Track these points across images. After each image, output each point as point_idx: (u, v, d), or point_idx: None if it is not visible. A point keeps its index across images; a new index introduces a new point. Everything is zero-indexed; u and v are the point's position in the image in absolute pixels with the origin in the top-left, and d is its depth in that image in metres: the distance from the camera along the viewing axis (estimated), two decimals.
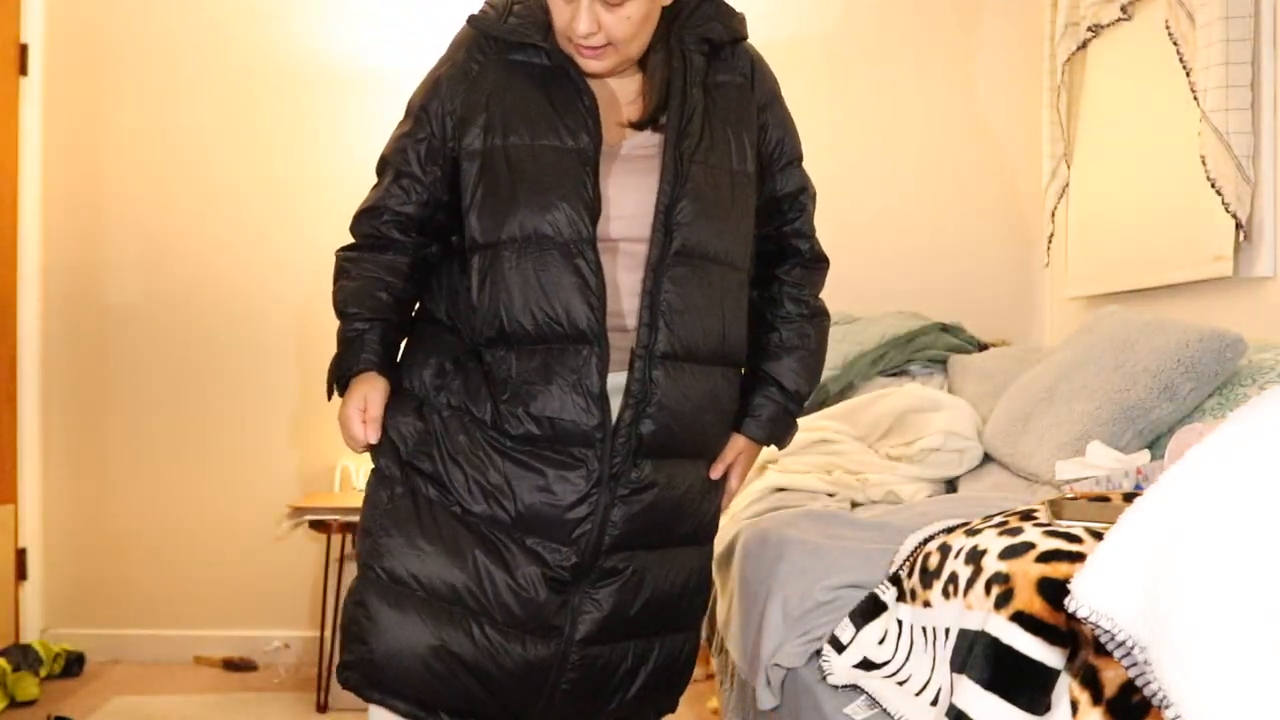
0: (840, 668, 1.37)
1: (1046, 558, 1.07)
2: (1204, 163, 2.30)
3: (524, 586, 1.49)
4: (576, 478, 1.49)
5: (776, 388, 1.67)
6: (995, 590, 1.09)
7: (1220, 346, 1.92)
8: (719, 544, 1.83)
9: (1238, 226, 2.25)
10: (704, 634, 1.85)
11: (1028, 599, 1.04)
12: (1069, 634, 1.00)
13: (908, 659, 1.27)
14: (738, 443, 1.66)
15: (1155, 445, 1.95)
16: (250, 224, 3.47)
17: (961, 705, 1.05)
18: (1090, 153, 3.06)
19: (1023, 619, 1.03)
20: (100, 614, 3.45)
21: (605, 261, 1.49)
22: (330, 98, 3.44)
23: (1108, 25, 2.87)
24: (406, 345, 1.67)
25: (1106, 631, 0.69)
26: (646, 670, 1.59)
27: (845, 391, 2.79)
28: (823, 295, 1.76)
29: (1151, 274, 2.65)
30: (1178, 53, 2.44)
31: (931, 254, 3.49)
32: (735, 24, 1.65)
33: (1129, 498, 1.29)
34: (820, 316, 1.73)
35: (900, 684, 1.27)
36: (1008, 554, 1.11)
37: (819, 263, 1.73)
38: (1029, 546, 1.10)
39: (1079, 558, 1.05)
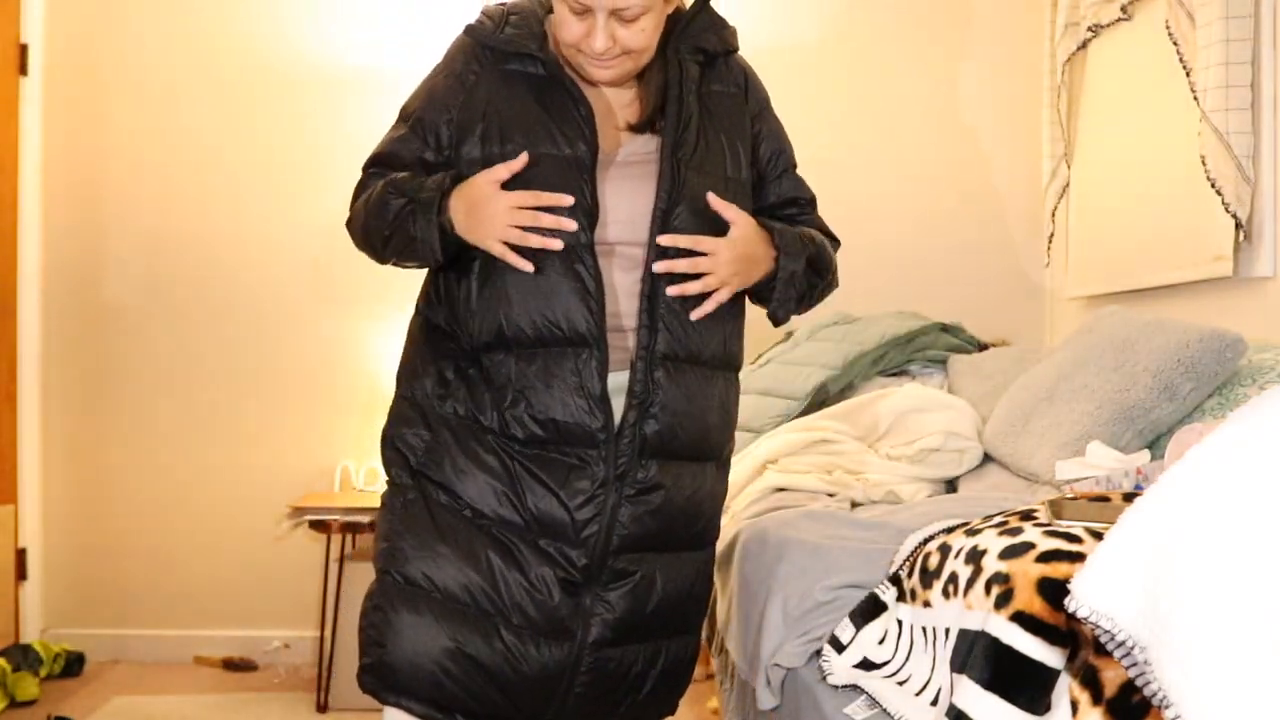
0: (840, 668, 1.37)
1: (1046, 558, 1.07)
2: (1204, 163, 2.30)
3: (538, 588, 1.51)
4: (583, 479, 1.50)
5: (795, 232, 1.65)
6: (995, 590, 1.09)
7: (1220, 346, 1.92)
8: (719, 544, 1.83)
9: (1238, 226, 2.25)
10: (704, 634, 1.85)
11: (1028, 599, 1.04)
12: (1069, 634, 1.00)
13: (908, 659, 1.27)
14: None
15: (1155, 445, 1.95)
16: (250, 224, 3.47)
17: (961, 705, 1.05)
18: (1090, 153, 3.06)
19: (1023, 619, 1.03)
20: (100, 614, 3.45)
21: (602, 265, 1.51)
22: (330, 98, 3.44)
23: (1108, 25, 2.87)
24: (407, 352, 1.67)
25: (1106, 631, 0.69)
26: (655, 673, 1.60)
27: (845, 391, 2.79)
28: None
29: (1151, 274, 2.65)
30: (1178, 53, 2.44)
31: (931, 254, 3.49)
32: (728, 36, 1.67)
33: (1129, 498, 1.29)
34: (834, 249, 1.73)
35: (900, 684, 1.27)
36: (1008, 554, 1.11)
37: (835, 239, 1.76)
38: (1029, 546, 1.10)
39: (1079, 558, 1.05)
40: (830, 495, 2.16)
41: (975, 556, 1.16)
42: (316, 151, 3.44)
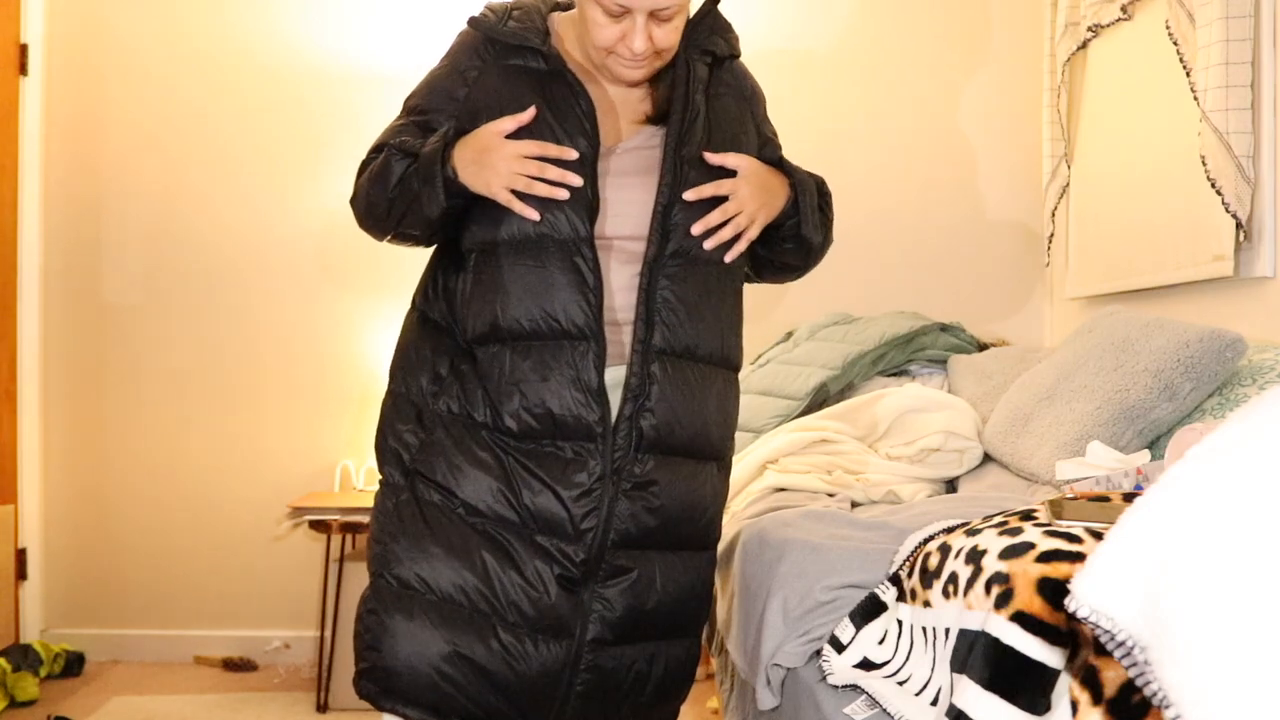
0: (840, 668, 1.37)
1: (1046, 558, 1.07)
2: (1204, 163, 2.30)
3: (534, 585, 1.50)
4: (580, 473, 1.50)
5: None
6: (995, 590, 1.09)
7: (1220, 346, 1.91)
8: (719, 544, 1.83)
9: (1238, 226, 2.25)
10: (704, 635, 1.85)
11: (1028, 599, 1.04)
12: (1069, 634, 1.00)
13: (908, 659, 1.27)
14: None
15: (1155, 445, 1.95)
16: (250, 224, 3.47)
17: (961, 705, 1.05)
18: (1090, 153, 3.06)
19: (1023, 619, 1.03)
20: (100, 614, 3.45)
21: (600, 259, 1.52)
22: (330, 97, 3.44)
23: (1108, 25, 2.87)
24: (401, 348, 1.66)
25: (1106, 631, 0.69)
26: (655, 675, 1.60)
27: (845, 391, 2.79)
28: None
29: (1151, 274, 2.65)
30: (1178, 53, 2.44)
31: (931, 254, 3.49)
32: (733, 39, 1.70)
33: (1129, 498, 1.29)
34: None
35: (900, 684, 1.27)
36: (1008, 554, 1.11)
37: None
38: (1029, 546, 1.10)
39: (1079, 558, 1.05)
40: (830, 495, 2.16)
41: (975, 556, 1.16)
42: (316, 151, 3.45)
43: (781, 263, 1.73)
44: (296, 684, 3.23)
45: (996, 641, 1.05)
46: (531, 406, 1.49)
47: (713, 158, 1.55)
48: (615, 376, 1.52)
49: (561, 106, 1.54)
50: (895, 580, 1.37)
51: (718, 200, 1.56)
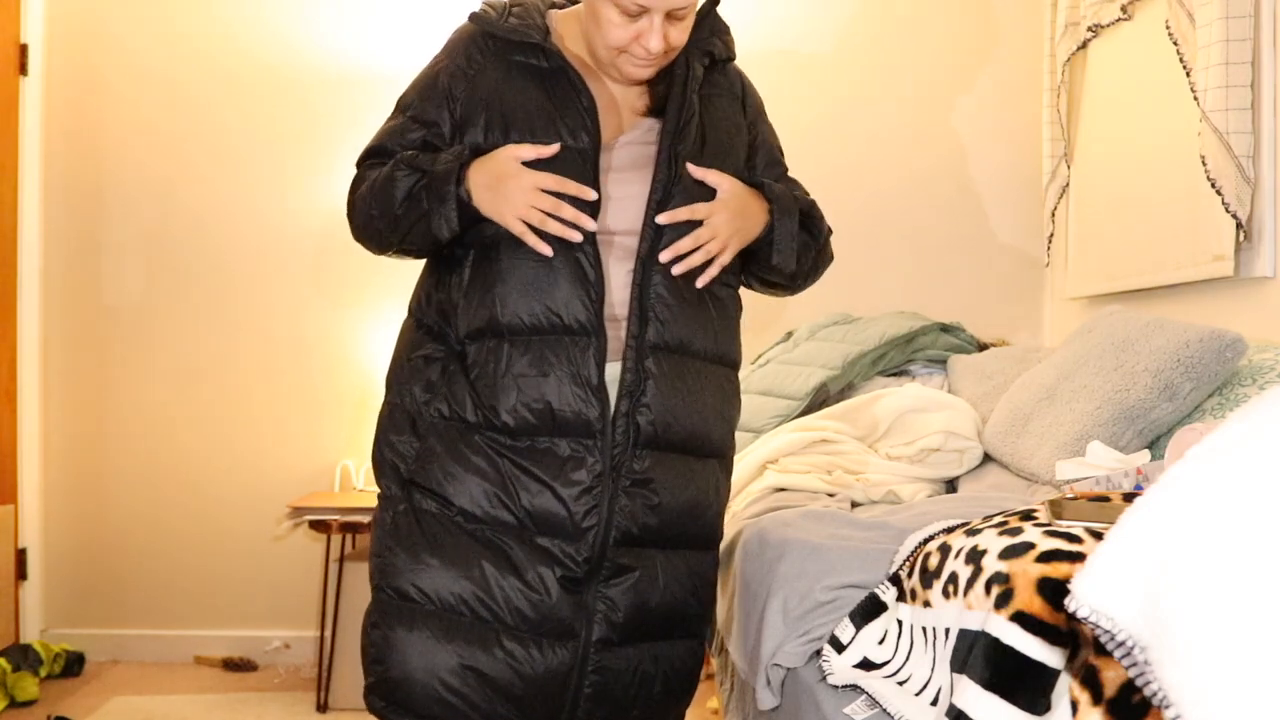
0: (840, 668, 1.37)
1: (1046, 558, 1.07)
2: (1204, 163, 2.30)
3: (535, 589, 1.50)
4: (579, 471, 1.49)
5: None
6: (995, 590, 1.09)
7: (1220, 346, 1.91)
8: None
9: (1238, 226, 2.25)
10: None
11: (1028, 599, 1.04)
12: (1069, 634, 1.00)
13: (908, 659, 1.27)
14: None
15: (1155, 445, 1.95)
16: (250, 224, 3.47)
17: (961, 705, 1.05)
18: (1090, 153, 3.06)
19: (1023, 619, 1.03)
20: (100, 614, 3.45)
21: (600, 253, 1.52)
22: (330, 97, 3.44)
23: (1108, 25, 2.87)
24: (396, 357, 1.65)
25: (1106, 631, 0.69)
26: (662, 676, 1.60)
27: (845, 391, 2.79)
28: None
29: (1151, 274, 2.65)
30: (1178, 53, 2.44)
31: (931, 254, 3.49)
32: (730, 42, 1.70)
33: (1129, 498, 1.29)
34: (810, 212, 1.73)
35: (900, 684, 1.26)
36: (1008, 554, 1.11)
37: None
38: (1029, 546, 1.10)
39: (1079, 558, 1.05)
40: (830, 495, 2.16)
41: (975, 556, 1.16)
42: (316, 151, 3.45)
43: (766, 280, 1.72)
44: (296, 684, 3.23)
45: (996, 641, 1.05)
46: (530, 402, 1.49)
47: (696, 172, 1.54)
48: (613, 372, 1.52)
49: (564, 103, 1.54)
50: (895, 580, 1.37)
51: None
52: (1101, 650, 0.92)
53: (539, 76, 1.56)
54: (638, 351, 1.51)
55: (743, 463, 2.34)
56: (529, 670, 1.50)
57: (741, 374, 1.76)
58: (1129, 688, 0.90)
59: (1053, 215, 3.22)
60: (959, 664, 1.11)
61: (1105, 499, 1.31)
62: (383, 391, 1.67)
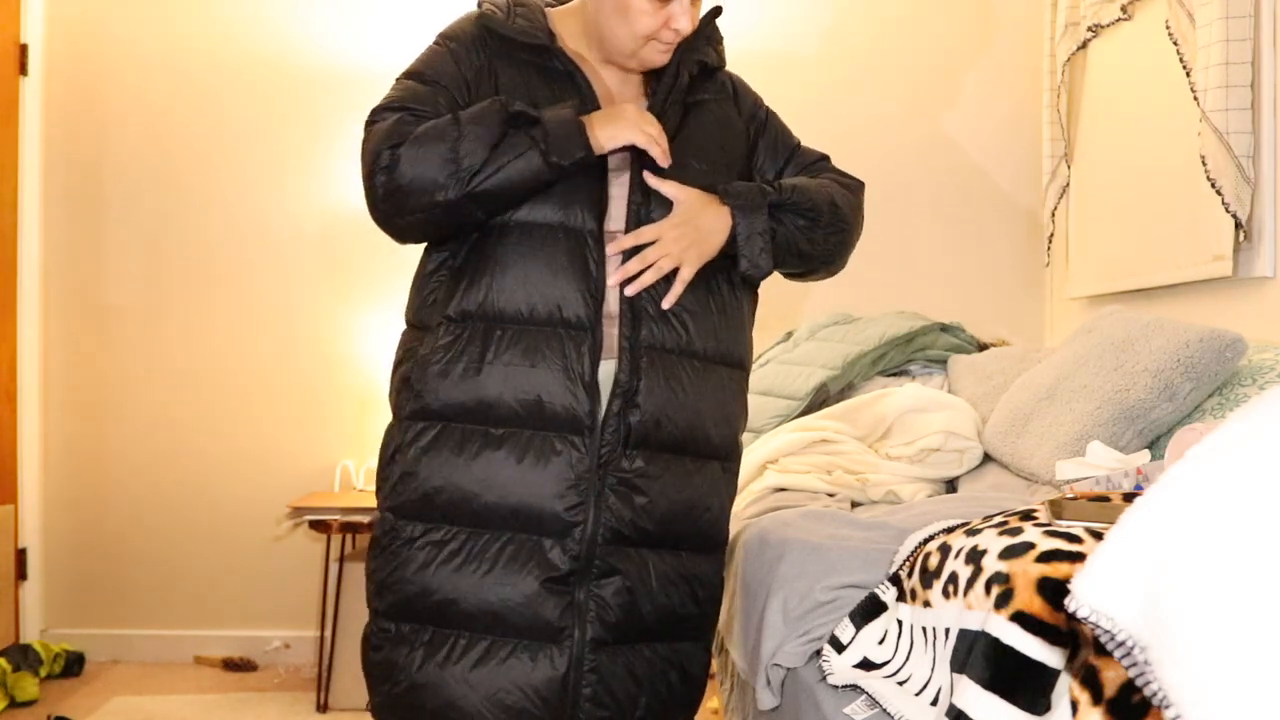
0: (840, 668, 1.37)
1: (1046, 558, 1.07)
2: (1204, 163, 2.30)
3: (520, 596, 1.48)
4: (565, 466, 1.48)
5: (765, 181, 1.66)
6: (995, 590, 1.09)
7: (1220, 346, 1.91)
8: None
9: (1238, 226, 2.25)
10: None
11: (1028, 599, 1.04)
12: (1069, 634, 1.00)
13: (908, 659, 1.27)
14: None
15: (1155, 445, 1.95)
16: (250, 224, 3.47)
17: (961, 705, 1.05)
18: (1090, 153, 3.06)
19: (1023, 619, 1.03)
20: (100, 614, 3.45)
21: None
22: (330, 97, 3.44)
23: (1108, 25, 2.87)
24: (394, 369, 1.64)
25: (1106, 631, 0.69)
26: (664, 679, 1.58)
27: (845, 391, 2.79)
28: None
29: (1151, 274, 2.65)
30: (1178, 53, 2.44)
31: (931, 254, 3.49)
32: (720, 51, 1.72)
33: (1129, 498, 1.29)
34: (850, 190, 1.72)
35: (900, 684, 1.26)
36: (1008, 554, 1.11)
37: (854, 178, 1.77)
38: (1029, 546, 1.10)
39: (1079, 558, 1.05)
40: (830, 495, 2.16)
41: (975, 556, 1.16)
42: (316, 152, 3.45)
43: (785, 272, 1.71)
44: (296, 684, 3.23)
45: (996, 641, 1.05)
46: (518, 392, 1.48)
47: (653, 182, 1.54)
48: (607, 370, 1.52)
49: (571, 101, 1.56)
50: (895, 580, 1.37)
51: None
52: (1101, 650, 0.92)
53: (545, 75, 1.58)
54: (630, 352, 1.51)
55: (743, 463, 2.34)
56: (523, 678, 1.49)
57: None
58: (1129, 688, 0.90)
59: (1053, 215, 3.22)
60: (959, 664, 1.11)
61: (1105, 499, 1.31)
62: (384, 391, 1.67)
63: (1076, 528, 1.13)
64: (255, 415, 3.46)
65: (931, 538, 1.38)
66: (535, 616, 1.49)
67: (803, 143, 1.80)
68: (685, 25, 1.53)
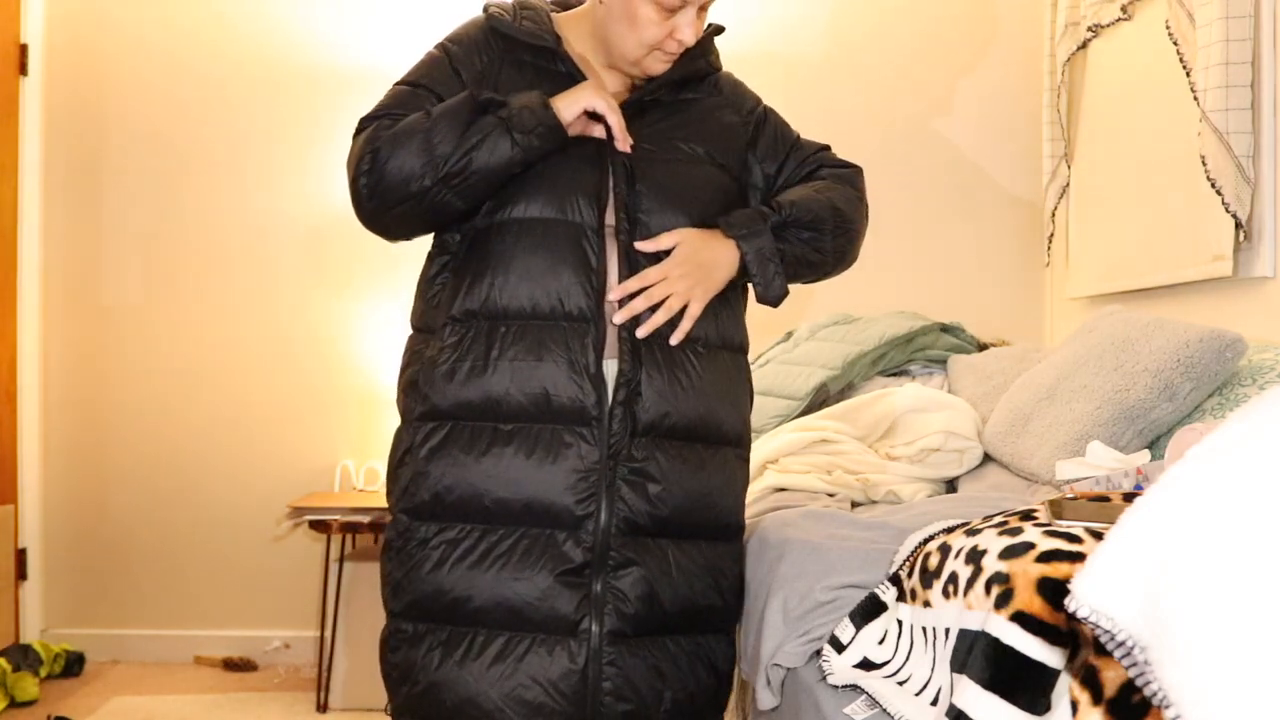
0: (840, 668, 1.37)
1: (1046, 558, 1.07)
2: (1204, 163, 2.30)
3: (535, 591, 1.49)
4: (574, 458, 1.49)
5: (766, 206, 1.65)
6: (995, 590, 1.09)
7: (1220, 346, 1.91)
8: None
9: (1238, 226, 2.25)
10: None
11: (1028, 599, 1.04)
12: (1069, 634, 1.00)
13: (908, 659, 1.27)
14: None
15: (1155, 445, 1.95)
16: (250, 224, 3.47)
17: (961, 705, 1.04)
18: (1090, 153, 3.06)
19: (1023, 619, 1.03)
20: (100, 614, 3.45)
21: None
22: (330, 96, 3.44)
23: (1108, 25, 2.87)
24: (401, 373, 1.65)
25: (1106, 631, 0.69)
26: (694, 674, 1.57)
27: (845, 391, 2.78)
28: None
29: (1151, 274, 2.65)
30: (1178, 53, 2.44)
31: (931, 254, 3.49)
32: (714, 58, 1.73)
33: (1129, 498, 1.29)
34: (849, 182, 1.71)
35: (900, 684, 1.26)
36: (1008, 554, 1.11)
37: (847, 167, 1.77)
38: (1029, 546, 1.10)
39: (1079, 558, 1.05)
40: (830, 495, 2.16)
41: (975, 556, 1.16)
42: (316, 152, 3.45)
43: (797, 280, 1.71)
44: (296, 684, 3.23)
45: (996, 641, 1.05)
46: (524, 387, 1.49)
47: (646, 246, 1.54)
48: (613, 364, 1.52)
49: None
50: (895, 580, 1.37)
51: (685, 195, 1.59)
52: (1101, 650, 0.92)
53: (549, 78, 1.59)
54: (631, 343, 1.51)
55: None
56: (542, 673, 1.48)
57: None
58: (1129, 688, 0.90)
59: (1053, 215, 3.22)
60: (959, 664, 1.11)
61: (1105, 499, 1.31)
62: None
63: (1076, 528, 1.13)
64: (255, 415, 3.46)
65: (931, 538, 1.38)
66: (551, 610, 1.48)
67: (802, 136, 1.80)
68: (689, 37, 1.55)
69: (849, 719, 1.31)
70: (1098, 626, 0.69)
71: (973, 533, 1.23)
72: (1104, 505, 1.23)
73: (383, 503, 3.03)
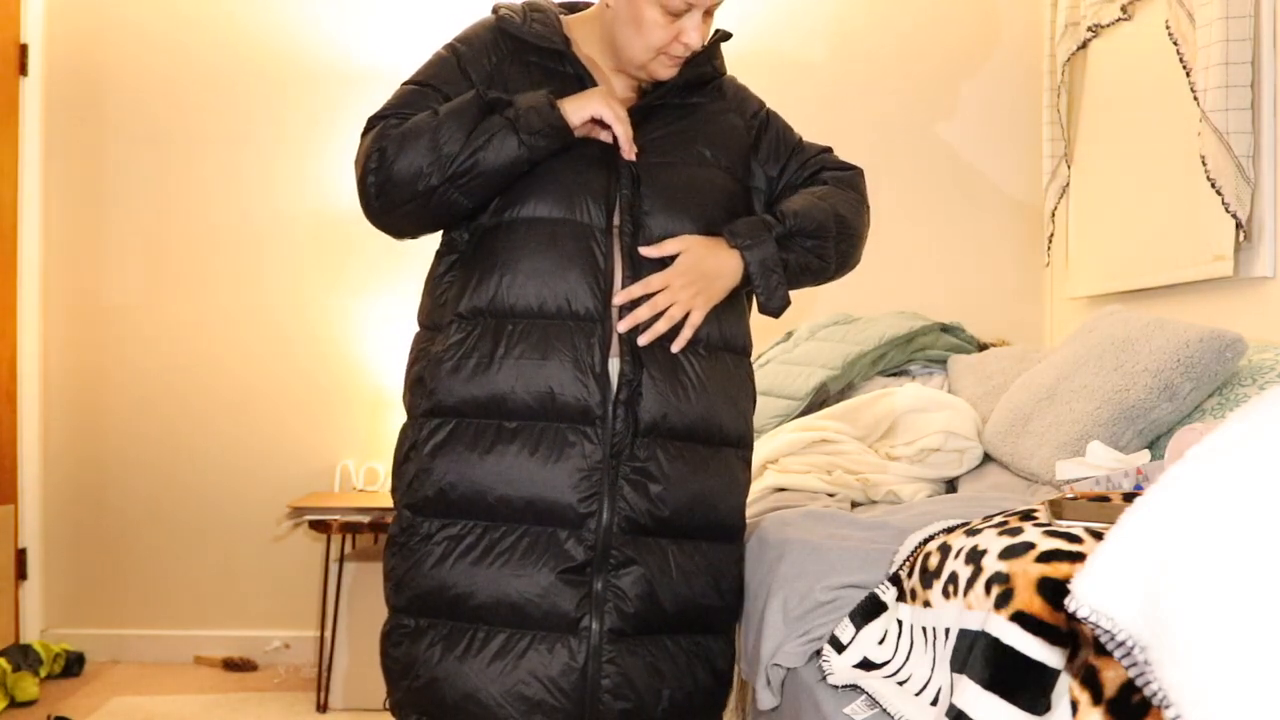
0: (840, 668, 1.37)
1: (1046, 558, 1.07)
2: (1204, 163, 2.30)
3: (536, 588, 1.49)
4: (577, 456, 1.49)
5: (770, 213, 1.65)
6: (995, 590, 1.09)
7: (1220, 346, 1.91)
8: None
9: (1238, 226, 2.25)
10: None
11: (1028, 599, 1.04)
12: (1069, 634, 1.00)
13: (908, 659, 1.27)
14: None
15: (1155, 445, 1.95)
16: (250, 223, 3.47)
17: (961, 705, 1.05)
18: (1090, 153, 3.06)
19: (1023, 619, 1.03)
20: (100, 614, 3.45)
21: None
22: (330, 96, 3.44)
23: (1108, 25, 2.87)
24: (408, 371, 1.65)
25: (1106, 631, 0.69)
26: (692, 674, 1.57)
27: (845, 391, 2.79)
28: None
29: (1151, 274, 2.65)
30: (1178, 53, 2.44)
31: (931, 254, 3.49)
32: (719, 64, 1.74)
33: (1129, 498, 1.29)
34: (850, 185, 1.72)
35: (900, 684, 1.27)
36: (1008, 554, 1.11)
37: (847, 169, 1.77)
38: (1029, 546, 1.10)
39: (1079, 558, 1.05)
40: (830, 495, 2.16)
41: (975, 556, 1.16)
42: (317, 151, 3.45)
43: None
44: (296, 684, 3.23)
45: (996, 641, 1.05)
46: (529, 385, 1.49)
47: (650, 252, 1.55)
48: (616, 361, 1.53)
49: None
50: (895, 580, 1.37)
51: (688, 199, 1.60)
52: (1101, 650, 0.92)
53: (558, 80, 1.59)
54: (632, 343, 1.52)
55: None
56: (542, 670, 1.48)
57: None
58: (1129, 688, 0.90)
59: (1053, 215, 3.22)
60: (959, 664, 1.11)
61: (1105, 499, 1.31)
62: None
63: (1076, 528, 1.13)
64: (255, 415, 3.46)
65: (931, 538, 1.38)
66: (552, 608, 1.49)
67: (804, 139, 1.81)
68: (695, 40, 1.55)
69: (849, 719, 1.31)
70: (1098, 626, 0.69)
71: (973, 533, 1.23)
72: (1104, 505, 1.23)
73: (383, 502, 3.04)
